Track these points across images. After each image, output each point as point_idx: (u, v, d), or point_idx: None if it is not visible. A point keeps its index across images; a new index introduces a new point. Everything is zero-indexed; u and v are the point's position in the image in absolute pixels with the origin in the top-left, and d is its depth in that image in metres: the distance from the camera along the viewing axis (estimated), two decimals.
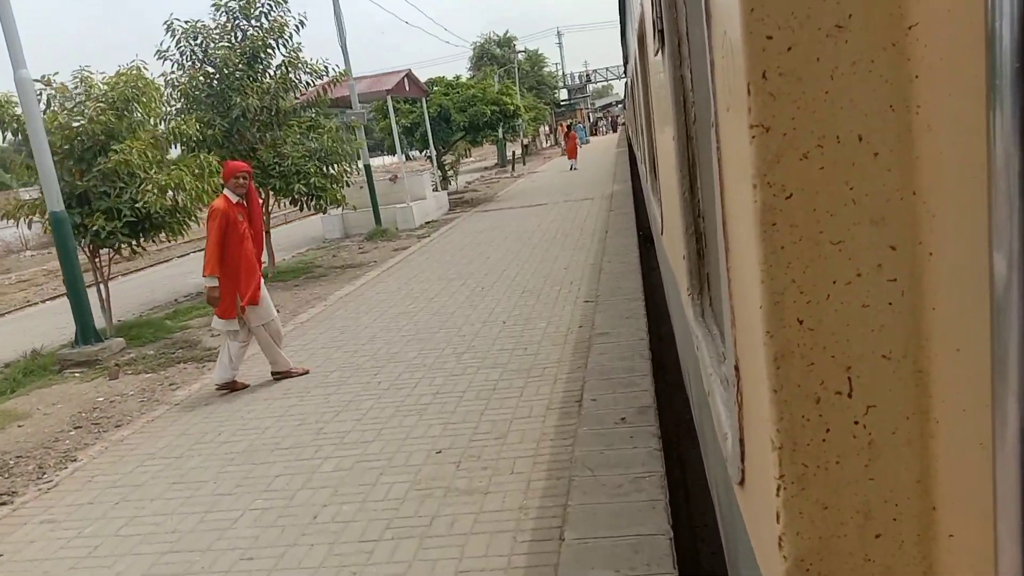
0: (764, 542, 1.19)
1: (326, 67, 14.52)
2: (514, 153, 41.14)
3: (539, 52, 65.12)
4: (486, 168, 46.43)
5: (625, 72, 19.54)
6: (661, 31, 2.50)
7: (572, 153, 33.21)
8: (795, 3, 0.92)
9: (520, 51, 59.89)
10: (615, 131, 72.58)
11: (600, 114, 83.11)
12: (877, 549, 1.01)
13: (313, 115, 15.00)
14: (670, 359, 6.20)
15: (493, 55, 59.53)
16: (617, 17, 11.99)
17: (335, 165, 14.69)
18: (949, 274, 0.91)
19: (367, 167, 18.65)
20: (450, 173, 26.99)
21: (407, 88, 21.89)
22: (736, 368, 1.29)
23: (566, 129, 42.41)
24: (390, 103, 21.57)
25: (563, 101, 71.50)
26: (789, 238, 0.96)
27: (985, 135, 0.73)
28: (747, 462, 1.33)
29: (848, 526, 1.02)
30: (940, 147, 0.89)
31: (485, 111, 25.41)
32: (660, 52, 2.69)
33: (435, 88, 26.53)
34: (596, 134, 73.14)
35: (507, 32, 67.87)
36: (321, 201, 14.68)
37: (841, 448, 1.00)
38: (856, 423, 0.99)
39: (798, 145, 0.94)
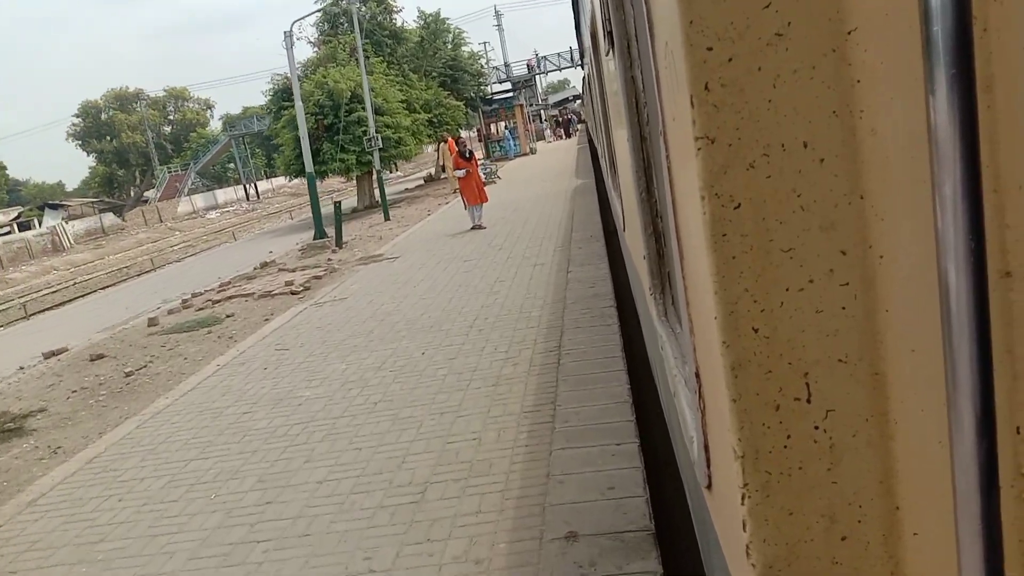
0: (733, 549, 1.19)
1: None
2: (343, 209, 19.32)
3: (441, 16, 41.22)
4: (312, 239, 19.96)
5: (582, 65, 18.19)
6: (610, 32, 2.49)
7: (475, 196, 16.45)
8: (734, 13, 0.91)
9: (398, 9, 37.74)
10: (568, 135, 53.29)
11: (555, 112, 60.57)
12: (844, 552, 1.02)
13: None
14: None
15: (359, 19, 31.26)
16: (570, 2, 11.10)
17: None
18: (900, 276, 0.91)
19: None
20: None
21: None
22: (697, 375, 1.29)
23: (453, 146, 22.50)
24: None
25: (498, 95, 48.03)
26: (740, 248, 0.96)
27: (927, 138, 0.73)
28: (713, 468, 1.33)
29: (814, 531, 1.02)
30: (885, 151, 0.89)
31: None
32: (611, 53, 2.69)
33: None
34: (568, 133, 53.46)
35: None
36: None
37: (803, 454, 1.00)
38: (816, 428, 0.99)
39: (744, 155, 0.94)
